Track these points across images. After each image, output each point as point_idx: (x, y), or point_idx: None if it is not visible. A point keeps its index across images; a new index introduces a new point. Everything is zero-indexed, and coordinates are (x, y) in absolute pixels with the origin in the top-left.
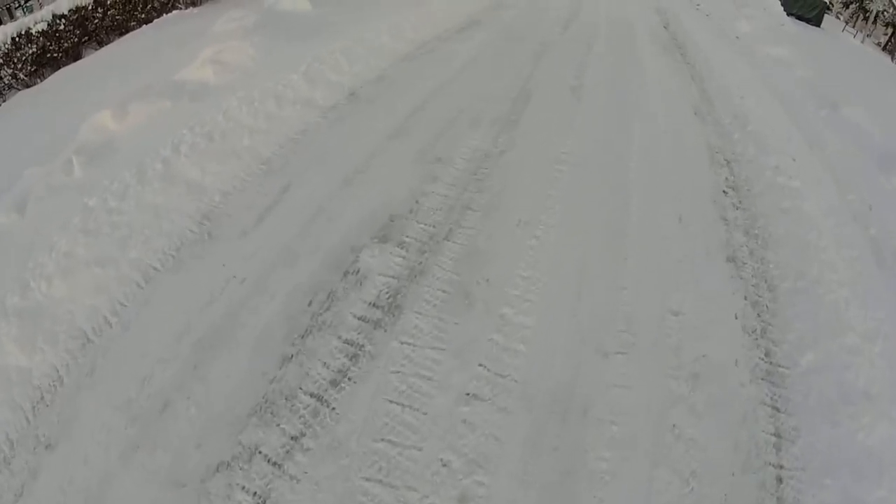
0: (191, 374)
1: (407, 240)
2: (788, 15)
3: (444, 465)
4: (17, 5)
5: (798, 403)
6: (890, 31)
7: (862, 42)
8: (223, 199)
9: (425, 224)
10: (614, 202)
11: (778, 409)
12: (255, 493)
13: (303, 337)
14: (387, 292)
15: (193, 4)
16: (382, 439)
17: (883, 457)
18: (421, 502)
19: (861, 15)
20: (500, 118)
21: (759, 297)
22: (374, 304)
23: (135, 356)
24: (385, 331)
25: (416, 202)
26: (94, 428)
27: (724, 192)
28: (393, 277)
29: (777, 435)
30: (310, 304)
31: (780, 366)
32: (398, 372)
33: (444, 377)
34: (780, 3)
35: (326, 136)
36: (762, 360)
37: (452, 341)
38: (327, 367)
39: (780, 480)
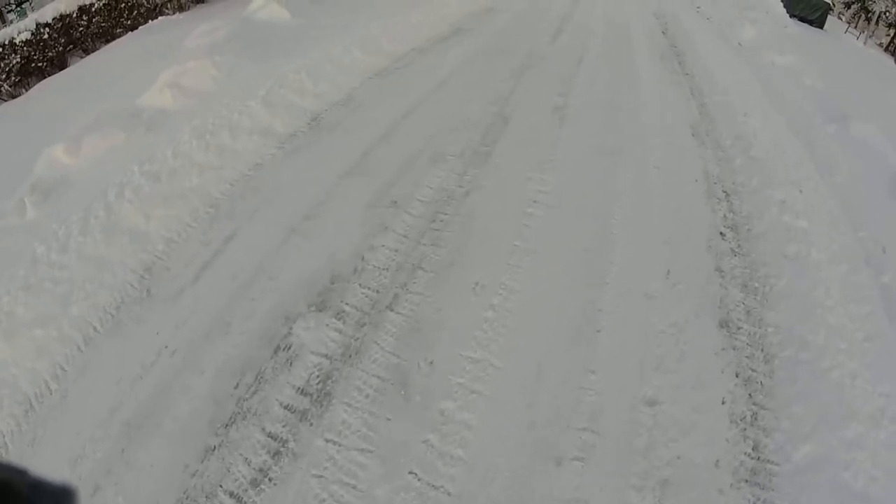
0: (119, 457)
1: (346, 308)
2: (791, 17)
3: None
4: (9, 9)
5: None
6: (893, 31)
7: (864, 44)
8: (166, 248)
9: (368, 289)
10: (591, 254)
11: None
12: None
13: (227, 426)
14: (317, 375)
15: (181, 9)
16: None
17: None
18: None
19: (863, 16)
20: (469, 150)
21: (754, 370)
22: (302, 391)
23: (70, 432)
24: (311, 424)
25: (362, 259)
26: None
27: (721, 233)
28: (326, 357)
29: None
30: (236, 386)
31: (769, 461)
32: (320, 476)
33: (369, 486)
34: (782, 4)
35: (280, 171)
36: (748, 455)
37: (382, 442)
38: (248, 465)
39: None
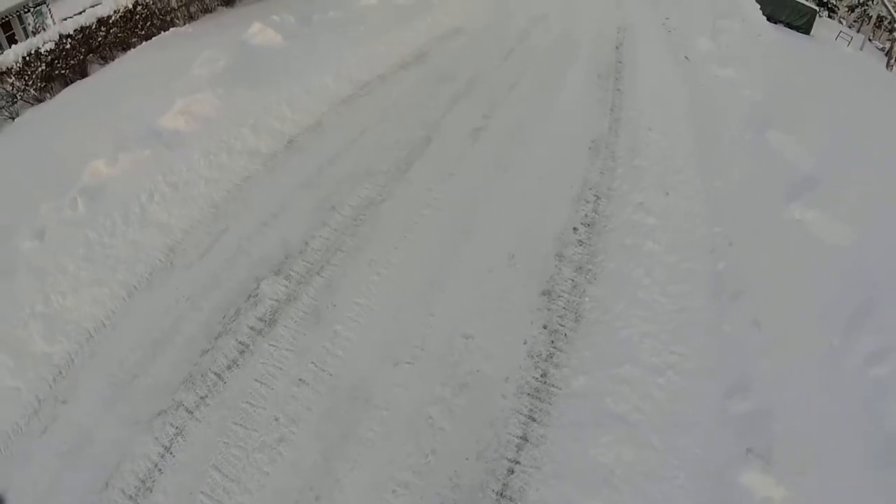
0: (150, 359)
1: (292, 273)
2: (776, 23)
3: (276, 420)
4: (27, 10)
5: (555, 417)
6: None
7: (861, 48)
8: (183, 236)
9: (306, 262)
10: (455, 242)
11: (534, 420)
12: (203, 395)
13: (216, 338)
14: (270, 311)
15: (191, 19)
16: (245, 402)
17: (613, 473)
18: (276, 420)
19: (865, 19)
20: (393, 168)
21: (562, 326)
22: (261, 319)
23: (116, 348)
24: (263, 336)
25: (306, 244)
26: (97, 380)
27: (574, 228)
28: (276, 301)
29: (524, 438)
30: (223, 317)
31: (552, 385)
32: (264, 363)
33: (288, 368)
34: (761, 12)
35: (261, 183)
36: (535, 378)
37: (298, 346)
38: (226, 358)
39: (511, 472)
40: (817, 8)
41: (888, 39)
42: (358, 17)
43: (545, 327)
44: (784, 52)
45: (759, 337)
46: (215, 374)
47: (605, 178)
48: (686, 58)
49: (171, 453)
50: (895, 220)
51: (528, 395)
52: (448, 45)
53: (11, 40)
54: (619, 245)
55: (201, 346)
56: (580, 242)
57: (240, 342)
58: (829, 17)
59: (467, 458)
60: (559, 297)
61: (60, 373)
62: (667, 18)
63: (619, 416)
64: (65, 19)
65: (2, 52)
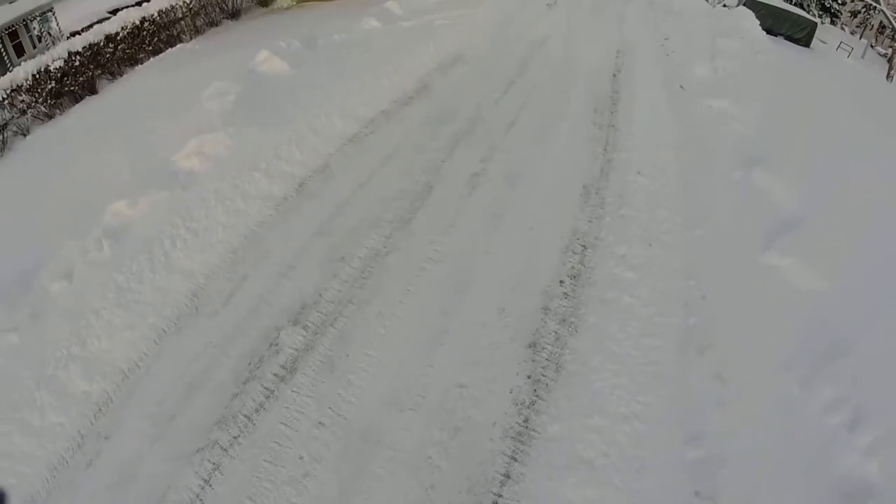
0: (184, 402)
1: (308, 324)
2: (777, 35)
3: (301, 458)
4: (33, 17)
5: (533, 458)
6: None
7: (863, 55)
8: (205, 281)
9: (320, 313)
10: (452, 296)
11: (516, 460)
12: (236, 435)
13: (244, 383)
14: (291, 360)
15: (197, 32)
16: (273, 441)
17: None
18: (301, 459)
19: (868, 26)
20: (397, 217)
21: (544, 375)
22: (283, 367)
23: (151, 391)
24: (285, 383)
25: (320, 295)
26: (137, 419)
27: (560, 281)
28: (295, 350)
29: (507, 476)
30: (249, 363)
31: (533, 430)
32: (288, 407)
33: (309, 413)
34: (762, 26)
35: (275, 229)
36: (518, 424)
37: (318, 393)
38: (254, 401)
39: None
40: (817, 21)
41: (890, 46)
42: (362, 41)
43: (529, 377)
44: (782, 72)
45: (720, 389)
46: (245, 416)
47: (593, 226)
48: (681, 87)
49: (210, 485)
50: (869, 268)
51: (512, 438)
52: (449, 76)
53: (18, 48)
54: (600, 300)
55: (231, 391)
56: (565, 295)
57: (265, 388)
58: (832, 22)
59: (460, 492)
60: (543, 348)
61: (100, 410)
62: (666, 39)
63: (587, 460)
64: (70, 37)
65: (9, 62)
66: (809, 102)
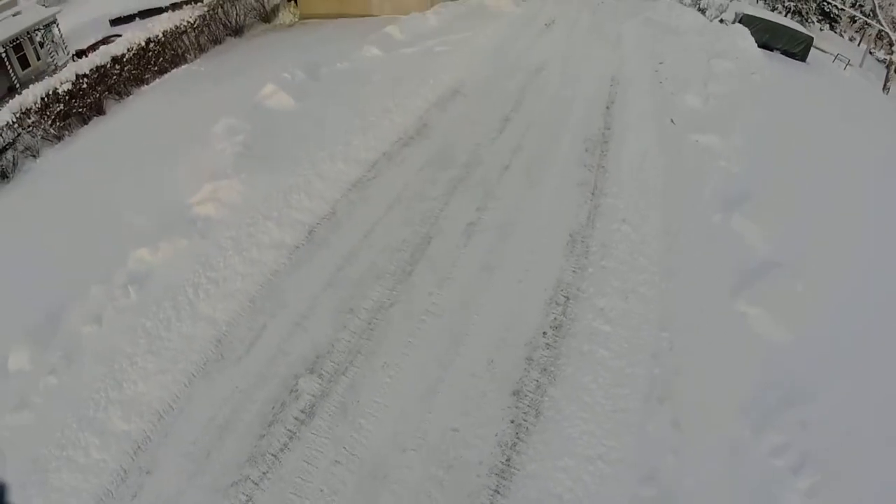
0: (216, 443)
1: (323, 372)
2: (773, 50)
3: (321, 491)
4: (38, 29)
5: (513, 492)
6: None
7: (861, 63)
8: (228, 329)
9: (333, 363)
10: (449, 348)
11: (499, 493)
12: (265, 471)
13: (269, 426)
14: (309, 404)
15: (201, 50)
16: (297, 477)
17: None
18: (322, 491)
19: (866, 32)
20: (399, 269)
21: (525, 420)
22: (302, 411)
23: (185, 431)
24: (305, 426)
25: (332, 345)
26: (175, 456)
27: (543, 333)
28: (313, 396)
29: None
30: (273, 408)
31: (514, 468)
32: (308, 447)
33: (325, 452)
34: (757, 42)
35: (289, 278)
36: (501, 463)
37: (333, 434)
38: (279, 443)
39: None
40: (813, 36)
41: (888, 53)
42: (363, 71)
43: (512, 422)
44: (774, 94)
45: (675, 435)
46: (272, 454)
47: (576, 277)
48: (672, 121)
49: None
50: (834, 319)
51: (496, 474)
52: (448, 112)
53: (23, 61)
54: (578, 351)
55: (258, 432)
56: (547, 346)
57: (288, 430)
58: (832, 28)
59: None
60: (525, 396)
61: (140, 447)
62: (660, 63)
63: (557, 495)
64: (75, 55)
65: (14, 75)
66: (799, 128)
